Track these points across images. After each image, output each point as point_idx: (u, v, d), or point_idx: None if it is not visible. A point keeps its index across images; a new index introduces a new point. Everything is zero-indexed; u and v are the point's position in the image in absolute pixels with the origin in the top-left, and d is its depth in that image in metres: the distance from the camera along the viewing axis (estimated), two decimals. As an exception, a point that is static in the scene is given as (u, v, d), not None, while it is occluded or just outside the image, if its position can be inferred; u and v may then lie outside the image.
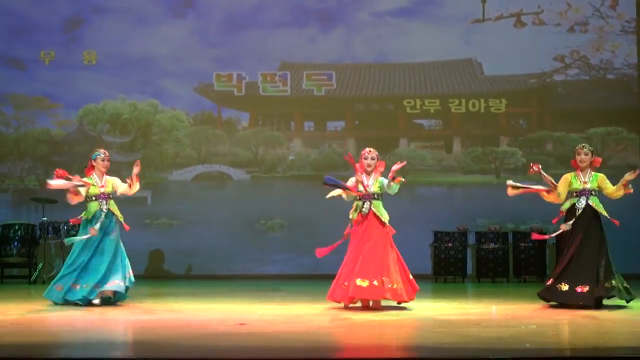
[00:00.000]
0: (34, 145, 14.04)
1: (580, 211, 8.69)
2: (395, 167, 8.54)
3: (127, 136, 14.11)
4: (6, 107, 14.03)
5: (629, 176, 8.56)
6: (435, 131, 14.31)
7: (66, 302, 8.87)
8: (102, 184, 9.16)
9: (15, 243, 12.52)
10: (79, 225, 9.16)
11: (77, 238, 9.05)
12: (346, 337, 6.86)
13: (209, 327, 7.19)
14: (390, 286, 8.32)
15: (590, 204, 8.70)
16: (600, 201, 8.80)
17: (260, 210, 13.85)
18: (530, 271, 12.81)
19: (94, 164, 9.20)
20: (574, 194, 8.80)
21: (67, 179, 8.89)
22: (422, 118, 14.23)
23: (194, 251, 13.56)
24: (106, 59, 14.05)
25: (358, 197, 8.67)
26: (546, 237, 9.86)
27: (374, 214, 8.61)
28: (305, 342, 6.38)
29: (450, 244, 12.95)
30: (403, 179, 8.60)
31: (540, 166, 8.94)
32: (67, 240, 9.28)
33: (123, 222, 9.16)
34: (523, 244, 12.88)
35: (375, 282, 8.33)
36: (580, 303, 8.42)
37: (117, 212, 9.16)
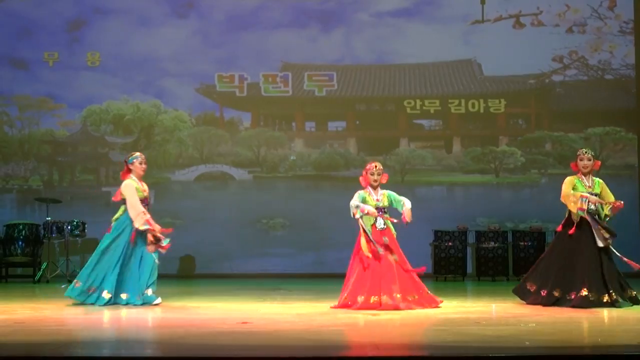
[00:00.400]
0: (38, 145, 14.09)
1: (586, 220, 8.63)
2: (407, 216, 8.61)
3: (130, 137, 14.17)
4: (10, 108, 14.09)
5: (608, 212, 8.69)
6: (435, 131, 14.38)
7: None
8: (144, 188, 9.10)
9: (20, 243, 12.58)
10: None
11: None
12: (348, 336, 6.89)
13: (211, 326, 7.21)
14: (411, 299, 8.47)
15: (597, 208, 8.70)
16: None
17: (262, 210, 13.91)
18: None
19: (131, 167, 9.04)
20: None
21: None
22: (422, 118, 14.30)
23: (197, 250, 13.61)
24: (109, 60, 14.11)
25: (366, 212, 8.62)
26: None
27: (389, 227, 8.70)
28: (307, 340, 6.39)
29: (450, 243, 13.03)
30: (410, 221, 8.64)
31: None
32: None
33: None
34: (522, 243, 12.96)
35: (410, 298, 8.44)
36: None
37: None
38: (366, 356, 5.81)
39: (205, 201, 14.03)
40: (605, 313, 8.13)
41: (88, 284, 8.89)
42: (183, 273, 13.51)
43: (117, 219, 9.07)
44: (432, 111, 14.20)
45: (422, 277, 8.94)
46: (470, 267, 13.15)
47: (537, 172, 14.02)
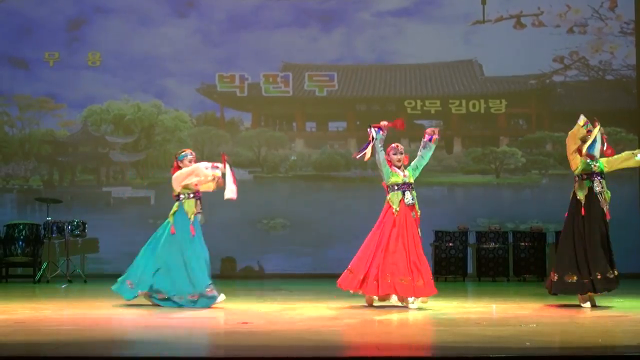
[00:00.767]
0: (38, 145, 14.10)
1: (595, 195, 8.43)
2: (432, 130, 8.57)
3: (131, 136, 14.18)
4: (11, 107, 14.09)
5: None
6: (435, 131, 14.36)
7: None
8: (196, 183, 8.94)
9: (20, 242, 12.58)
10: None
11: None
12: (348, 336, 6.89)
13: (211, 326, 7.21)
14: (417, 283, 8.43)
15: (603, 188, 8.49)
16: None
17: (263, 210, 13.92)
18: (530, 270, 12.90)
19: (180, 165, 8.89)
20: (584, 176, 8.52)
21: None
22: (423, 118, 14.29)
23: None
24: (110, 59, 14.12)
25: (395, 188, 8.58)
26: None
27: (414, 204, 8.59)
28: (307, 340, 6.39)
29: (450, 244, 13.04)
30: (437, 137, 8.59)
31: None
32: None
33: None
34: (523, 244, 12.97)
35: (420, 282, 8.42)
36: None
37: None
38: (366, 356, 5.81)
39: (205, 201, 13.97)
40: (607, 313, 8.13)
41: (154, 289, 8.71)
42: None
43: (174, 213, 9.03)
44: (432, 111, 14.21)
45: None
46: (470, 268, 13.16)
47: (537, 172, 14.03)
